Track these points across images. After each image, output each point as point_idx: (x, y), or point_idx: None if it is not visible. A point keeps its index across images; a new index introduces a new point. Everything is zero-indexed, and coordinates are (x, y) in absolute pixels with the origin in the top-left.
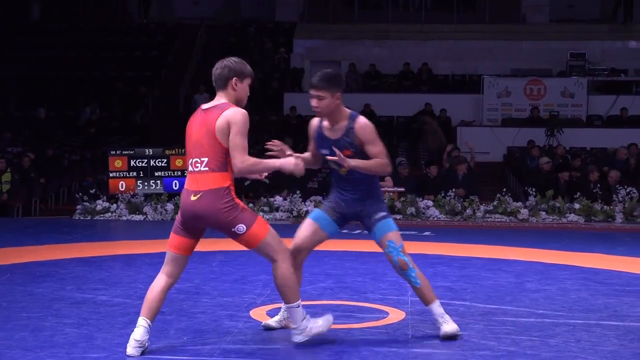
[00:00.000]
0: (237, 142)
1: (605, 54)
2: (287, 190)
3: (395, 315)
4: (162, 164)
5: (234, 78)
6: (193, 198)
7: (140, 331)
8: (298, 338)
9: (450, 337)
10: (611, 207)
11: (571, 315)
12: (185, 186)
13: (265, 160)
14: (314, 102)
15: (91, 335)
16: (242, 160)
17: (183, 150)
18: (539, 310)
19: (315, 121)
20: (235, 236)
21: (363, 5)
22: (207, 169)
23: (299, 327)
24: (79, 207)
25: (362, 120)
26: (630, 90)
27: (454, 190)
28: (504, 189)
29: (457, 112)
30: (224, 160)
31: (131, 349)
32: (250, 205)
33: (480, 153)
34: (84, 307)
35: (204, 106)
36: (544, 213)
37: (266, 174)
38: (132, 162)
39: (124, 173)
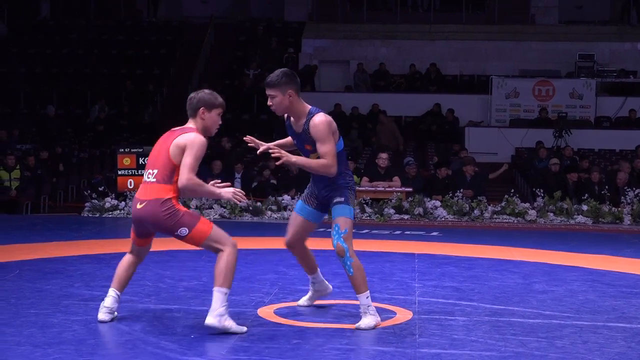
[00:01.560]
0: (188, 162)
1: (614, 56)
2: (294, 189)
3: (402, 315)
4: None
5: (202, 108)
6: (139, 206)
7: (110, 300)
8: (210, 320)
9: (365, 330)
10: (619, 209)
11: (578, 316)
12: (135, 194)
13: (208, 185)
14: (268, 101)
15: (99, 331)
16: (187, 177)
17: None
18: (546, 311)
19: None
20: (181, 238)
21: (371, 5)
22: (155, 180)
23: (217, 311)
24: (87, 204)
25: (316, 118)
26: (639, 91)
27: (461, 190)
28: (512, 190)
29: (465, 113)
30: (171, 175)
31: (102, 314)
32: (258, 204)
33: (488, 154)
34: (92, 304)
35: (175, 128)
36: (551, 214)
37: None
38: (141, 160)
39: (133, 171)
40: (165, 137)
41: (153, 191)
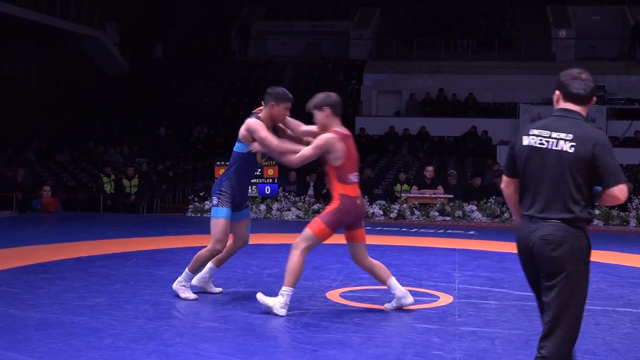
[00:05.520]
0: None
1: (622, 86)
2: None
3: (444, 299)
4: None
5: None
6: (358, 202)
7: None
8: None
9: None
10: (626, 213)
11: (591, 302)
12: (352, 194)
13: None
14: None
15: (200, 309)
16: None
17: (274, 162)
18: None
19: None
20: None
21: (420, 45)
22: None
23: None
24: (190, 206)
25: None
26: None
27: (494, 197)
28: None
29: (497, 134)
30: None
31: (283, 311)
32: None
33: None
34: (194, 287)
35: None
36: None
37: None
38: None
39: None
40: (353, 141)
41: (358, 189)
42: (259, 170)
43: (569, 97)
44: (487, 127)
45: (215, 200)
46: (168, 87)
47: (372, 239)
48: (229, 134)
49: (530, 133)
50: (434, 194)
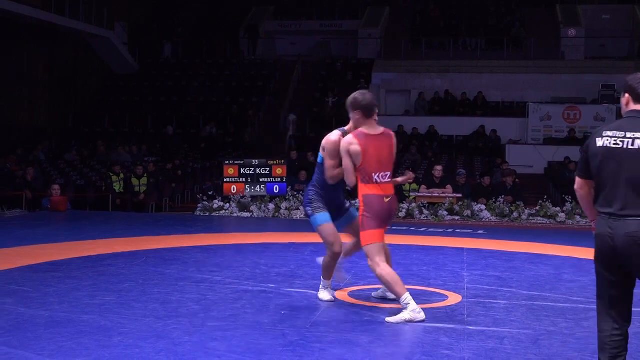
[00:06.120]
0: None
1: None
2: None
3: (453, 298)
4: (266, 172)
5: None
6: (386, 200)
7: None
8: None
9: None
10: None
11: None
12: (377, 192)
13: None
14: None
15: (208, 308)
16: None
17: (283, 161)
18: (573, 297)
19: None
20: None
21: (429, 45)
22: (390, 179)
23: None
24: (199, 205)
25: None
26: None
27: (503, 197)
28: (545, 197)
29: (506, 133)
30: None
31: (421, 315)
32: None
33: (525, 167)
34: (202, 285)
35: (384, 131)
36: (578, 217)
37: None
38: (242, 170)
39: (235, 179)
40: (384, 141)
41: (392, 188)
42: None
43: (639, 99)
44: (496, 126)
45: (309, 211)
46: (177, 86)
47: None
48: (236, 134)
49: (605, 135)
50: (443, 193)
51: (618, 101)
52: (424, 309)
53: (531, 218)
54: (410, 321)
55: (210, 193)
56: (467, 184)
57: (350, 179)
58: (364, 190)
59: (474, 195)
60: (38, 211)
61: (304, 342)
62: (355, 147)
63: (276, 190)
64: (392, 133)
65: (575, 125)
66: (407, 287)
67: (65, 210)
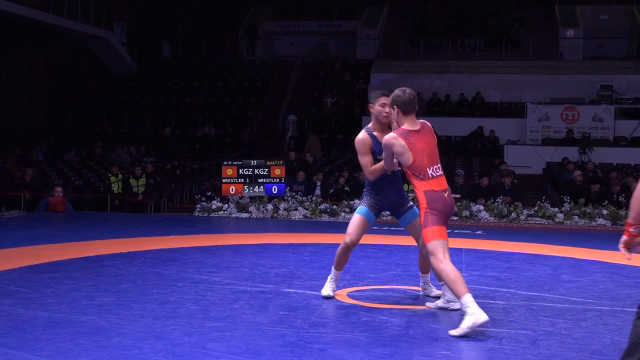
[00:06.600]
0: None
1: (630, 86)
2: None
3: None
4: (264, 173)
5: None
6: (446, 194)
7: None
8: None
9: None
10: None
11: (599, 302)
12: (435, 187)
13: None
14: (387, 109)
15: (207, 308)
16: None
17: (281, 161)
18: (572, 297)
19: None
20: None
21: (427, 45)
22: (442, 173)
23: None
24: (198, 206)
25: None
26: None
27: (501, 197)
28: (544, 197)
29: (504, 133)
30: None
31: (483, 316)
32: (334, 207)
33: (524, 167)
34: (201, 286)
35: (421, 125)
36: (576, 217)
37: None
38: (241, 171)
39: (234, 179)
40: (427, 134)
41: (445, 181)
42: (392, 173)
43: None
44: (495, 126)
45: (361, 200)
46: (176, 87)
47: (379, 239)
48: (235, 134)
49: None
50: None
51: (617, 101)
52: (423, 309)
53: (529, 218)
54: (473, 327)
55: (208, 194)
56: (465, 185)
57: (369, 174)
58: (423, 186)
59: (472, 195)
60: (36, 212)
61: (302, 342)
62: (399, 148)
63: (274, 190)
64: (428, 123)
65: (574, 126)
66: (406, 287)
67: (64, 210)
